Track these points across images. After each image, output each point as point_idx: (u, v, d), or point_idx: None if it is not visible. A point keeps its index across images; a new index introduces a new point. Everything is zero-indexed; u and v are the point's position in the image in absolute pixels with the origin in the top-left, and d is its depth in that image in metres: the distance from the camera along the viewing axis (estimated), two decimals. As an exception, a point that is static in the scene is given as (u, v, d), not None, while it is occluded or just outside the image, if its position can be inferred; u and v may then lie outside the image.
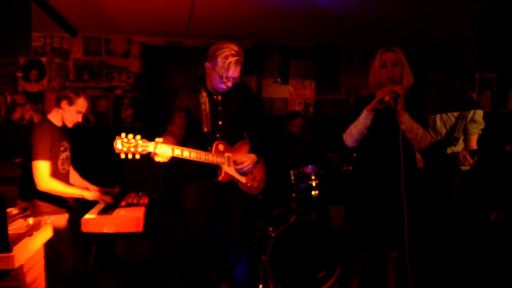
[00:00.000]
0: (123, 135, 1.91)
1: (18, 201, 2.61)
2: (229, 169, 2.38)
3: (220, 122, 2.41)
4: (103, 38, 4.52)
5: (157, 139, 2.01)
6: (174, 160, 2.14)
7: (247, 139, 2.57)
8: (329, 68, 5.08)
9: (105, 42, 4.53)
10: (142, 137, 1.98)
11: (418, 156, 2.84)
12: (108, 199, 2.72)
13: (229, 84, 2.31)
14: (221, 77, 2.26)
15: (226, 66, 2.20)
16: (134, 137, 1.93)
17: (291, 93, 5.01)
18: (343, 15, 3.71)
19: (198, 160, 2.21)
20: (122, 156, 1.90)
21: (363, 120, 2.32)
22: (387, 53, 2.30)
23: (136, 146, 1.91)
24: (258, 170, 2.58)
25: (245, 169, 2.40)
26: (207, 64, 2.31)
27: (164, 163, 2.10)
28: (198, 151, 2.22)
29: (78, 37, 4.45)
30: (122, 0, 3.34)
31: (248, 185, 2.49)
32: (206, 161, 2.26)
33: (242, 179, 2.45)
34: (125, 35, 4.53)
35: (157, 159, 2.02)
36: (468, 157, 2.76)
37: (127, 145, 1.89)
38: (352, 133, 2.39)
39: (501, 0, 2.67)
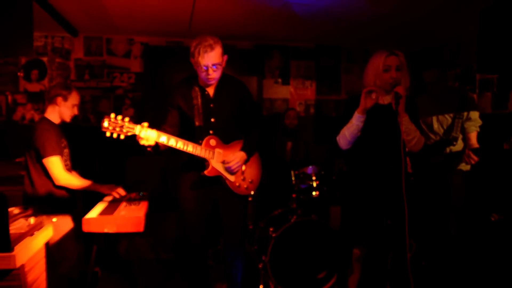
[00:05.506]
0: (112, 115, 1.99)
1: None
2: (217, 165, 2.38)
3: (212, 119, 2.42)
4: (104, 38, 4.53)
5: (143, 123, 2.07)
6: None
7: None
8: (330, 68, 5.08)
9: (106, 42, 4.53)
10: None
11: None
12: (121, 191, 2.77)
13: (213, 75, 2.30)
14: (200, 67, 2.29)
15: (198, 54, 2.25)
16: (122, 119, 2.01)
17: (292, 94, 5.01)
18: (343, 16, 3.71)
19: (184, 150, 2.24)
20: (108, 134, 2.00)
21: (355, 122, 2.30)
22: (392, 58, 2.27)
23: (122, 127, 2.00)
24: (250, 171, 2.56)
25: (233, 167, 2.38)
26: (191, 60, 2.34)
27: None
28: (186, 141, 2.24)
29: (79, 37, 4.46)
30: (123, 0, 3.34)
31: (237, 184, 2.47)
32: (193, 153, 2.28)
33: (230, 177, 2.44)
34: (126, 35, 4.54)
35: (141, 142, 2.09)
36: (472, 155, 2.76)
37: (114, 124, 1.98)
38: (345, 136, 2.36)
39: (501, 1, 2.67)
